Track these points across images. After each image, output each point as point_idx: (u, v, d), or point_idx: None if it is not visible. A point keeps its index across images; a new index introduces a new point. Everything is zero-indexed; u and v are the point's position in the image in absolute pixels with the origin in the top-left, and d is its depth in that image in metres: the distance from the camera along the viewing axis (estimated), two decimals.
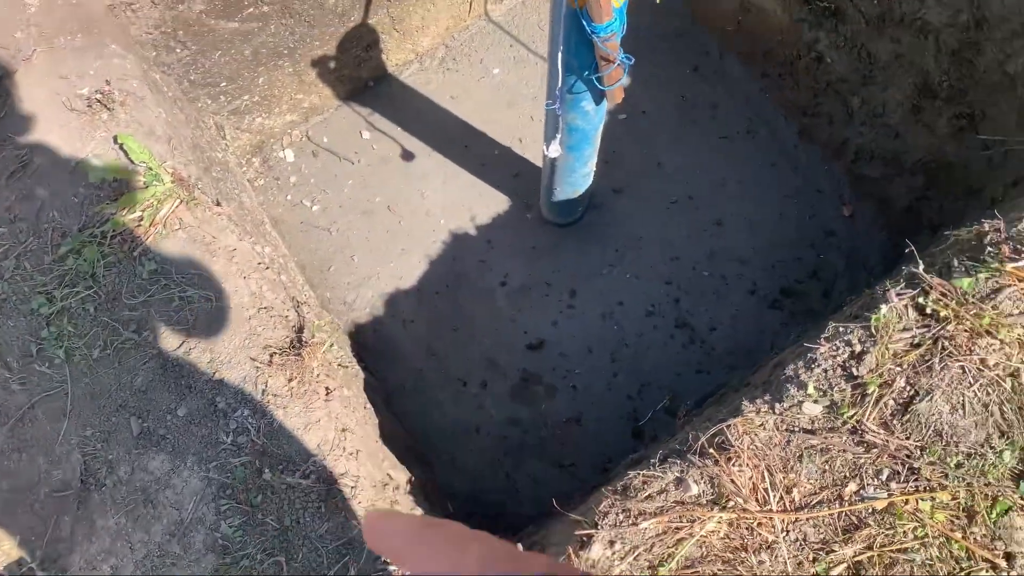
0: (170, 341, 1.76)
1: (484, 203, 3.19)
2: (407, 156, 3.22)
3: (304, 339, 1.89)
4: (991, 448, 1.37)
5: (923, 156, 2.86)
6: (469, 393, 2.93)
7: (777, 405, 1.49)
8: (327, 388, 1.84)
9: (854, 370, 1.47)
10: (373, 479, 1.77)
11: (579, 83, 2.14)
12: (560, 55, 2.00)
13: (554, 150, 2.42)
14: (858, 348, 1.49)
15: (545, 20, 3.47)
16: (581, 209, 3.10)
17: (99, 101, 1.99)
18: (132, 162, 1.91)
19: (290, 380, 1.75)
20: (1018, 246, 1.52)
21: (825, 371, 1.49)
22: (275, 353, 1.79)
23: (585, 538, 1.48)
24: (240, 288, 1.88)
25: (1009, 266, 1.49)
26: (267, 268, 2.09)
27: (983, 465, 1.36)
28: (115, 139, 1.93)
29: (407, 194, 3.18)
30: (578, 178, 2.77)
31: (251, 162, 3.17)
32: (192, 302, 1.80)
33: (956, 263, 1.56)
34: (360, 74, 3.25)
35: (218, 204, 2.09)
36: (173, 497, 1.62)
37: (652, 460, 1.55)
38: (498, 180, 3.22)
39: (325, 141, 3.25)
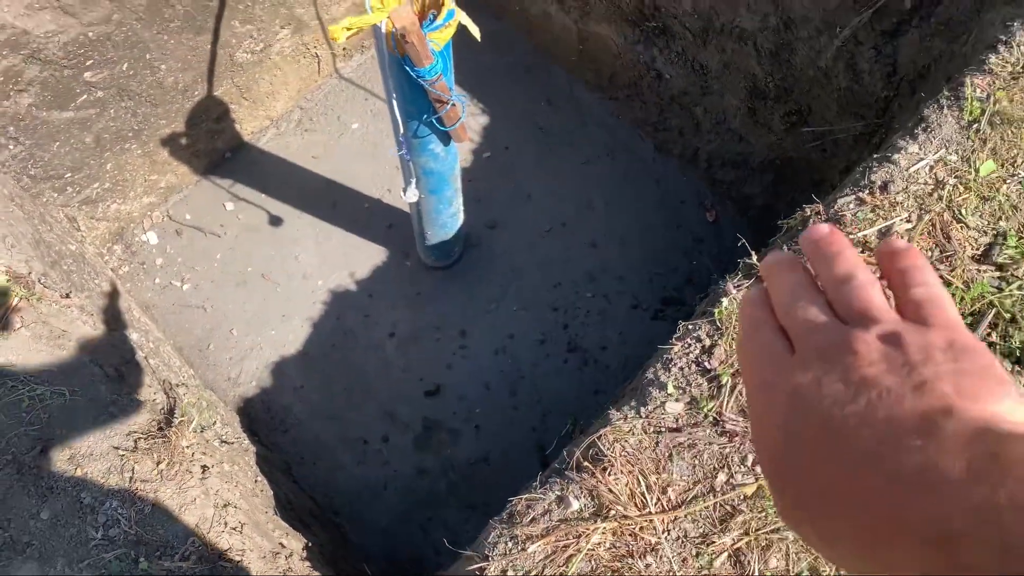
0: (24, 444, 1.66)
1: (361, 258, 3.17)
2: (275, 222, 3.18)
3: (173, 420, 1.82)
4: None
5: (767, 155, 3.04)
6: (372, 450, 2.88)
7: (642, 409, 1.52)
8: (204, 466, 1.78)
9: (707, 364, 1.52)
10: (262, 550, 1.71)
11: (421, 127, 2.18)
12: (395, 102, 2.04)
13: (412, 195, 2.44)
14: (707, 342, 1.55)
15: None
16: (458, 249, 3.12)
17: None
18: None
19: (159, 463, 1.68)
20: (837, 224, 1.63)
21: (681, 369, 1.54)
22: (140, 438, 1.72)
23: (478, 572, 1.46)
24: (96, 378, 1.80)
25: None
26: (131, 353, 2.02)
27: None
28: None
29: (280, 260, 3.14)
30: (446, 219, 2.80)
31: (112, 250, 3.06)
32: (44, 400, 1.71)
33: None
34: (215, 146, 3.21)
35: (67, 296, 2.01)
36: None
37: (533, 483, 1.55)
38: (372, 233, 3.22)
39: (188, 218, 3.17)
